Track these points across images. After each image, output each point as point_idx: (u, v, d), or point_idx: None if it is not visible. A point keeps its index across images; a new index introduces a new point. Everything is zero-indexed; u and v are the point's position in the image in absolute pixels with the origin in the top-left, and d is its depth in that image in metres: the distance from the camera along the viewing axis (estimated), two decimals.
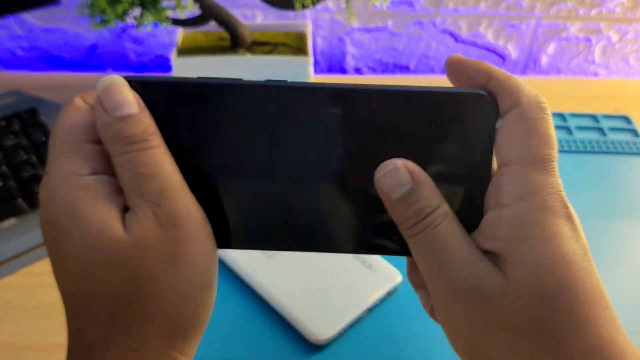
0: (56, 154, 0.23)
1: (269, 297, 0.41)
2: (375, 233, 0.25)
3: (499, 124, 0.24)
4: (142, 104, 0.23)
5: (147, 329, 0.23)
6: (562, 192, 0.22)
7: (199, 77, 0.24)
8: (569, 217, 0.22)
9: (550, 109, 0.23)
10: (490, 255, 0.22)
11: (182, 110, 0.23)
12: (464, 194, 0.24)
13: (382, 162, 0.24)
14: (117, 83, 0.22)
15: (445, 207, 0.23)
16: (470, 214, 0.24)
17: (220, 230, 0.25)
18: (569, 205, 0.22)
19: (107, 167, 0.23)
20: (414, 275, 0.28)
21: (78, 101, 0.24)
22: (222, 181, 0.24)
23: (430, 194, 0.23)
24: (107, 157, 0.23)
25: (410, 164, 0.23)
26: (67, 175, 0.22)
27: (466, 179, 0.24)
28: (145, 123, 0.22)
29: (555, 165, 0.22)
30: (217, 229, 0.24)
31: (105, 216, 0.22)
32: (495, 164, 0.24)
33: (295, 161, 0.24)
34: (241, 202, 0.25)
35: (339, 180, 0.24)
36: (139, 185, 0.22)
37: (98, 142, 0.23)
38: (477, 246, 0.23)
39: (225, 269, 0.43)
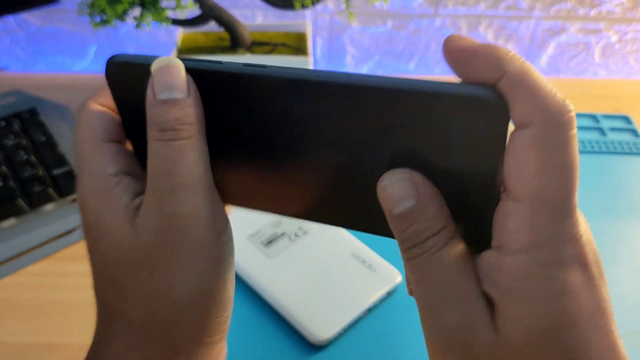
0: (81, 158, 0.23)
1: (268, 297, 0.41)
2: (374, 214, 0.23)
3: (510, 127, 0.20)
4: (193, 91, 0.22)
5: (140, 328, 0.23)
6: (577, 234, 0.19)
7: (239, 64, 0.23)
8: (583, 265, 0.19)
9: (575, 119, 0.18)
10: (488, 297, 0.20)
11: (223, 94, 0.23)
12: (470, 212, 0.21)
13: (382, 162, 0.21)
14: (172, 65, 0.21)
15: (449, 230, 0.20)
16: (477, 235, 0.21)
17: (236, 190, 0.25)
18: (586, 245, 0.19)
19: (128, 164, 0.24)
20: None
21: (90, 104, 0.24)
22: (245, 149, 0.24)
23: (436, 213, 0.20)
24: (129, 153, 0.24)
25: (418, 177, 0.20)
26: (91, 176, 0.23)
27: (472, 196, 0.21)
28: (183, 111, 0.21)
29: (576, 199, 0.19)
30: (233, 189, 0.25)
31: (117, 221, 0.22)
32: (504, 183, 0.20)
33: (306, 143, 0.23)
34: (258, 170, 0.24)
35: (344, 167, 0.23)
36: (155, 179, 0.22)
37: (117, 140, 0.24)
38: (476, 281, 0.20)
39: None
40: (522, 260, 0.19)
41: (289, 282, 0.41)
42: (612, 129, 0.61)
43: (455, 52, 0.19)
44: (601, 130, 0.61)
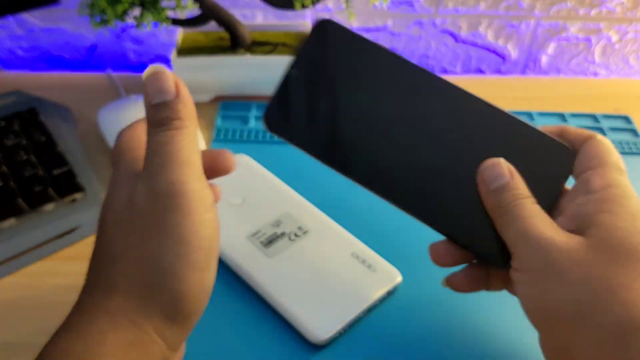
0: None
1: (268, 297, 0.41)
2: (466, 221, 0.31)
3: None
4: (181, 90, 0.26)
5: (118, 291, 0.24)
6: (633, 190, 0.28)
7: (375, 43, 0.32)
8: None
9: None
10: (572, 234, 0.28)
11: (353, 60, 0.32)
12: None
13: (481, 158, 0.30)
14: (160, 72, 0.26)
15: (534, 200, 0.29)
16: None
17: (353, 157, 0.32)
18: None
19: None
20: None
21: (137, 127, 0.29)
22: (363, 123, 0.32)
23: (525, 188, 0.29)
24: None
25: (510, 165, 0.30)
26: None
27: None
28: (172, 109, 0.25)
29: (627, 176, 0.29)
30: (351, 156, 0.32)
31: (122, 189, 0.26)
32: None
33: (412, 129, 0.31)
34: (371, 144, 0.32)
35: (444, 158, 0.31)
36: (147, 159, 0.25)
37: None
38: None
39: (225, 268, 0.43)
40: (605, 194, 0.28)
41: (288, 281, 0.41)
42: (612, 129, 0.61)
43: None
44: (601, 130, 0.61)
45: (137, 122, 0.29)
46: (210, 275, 0.25)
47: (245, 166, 0.51)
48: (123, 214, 0.25)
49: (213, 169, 0.28)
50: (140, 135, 0.28)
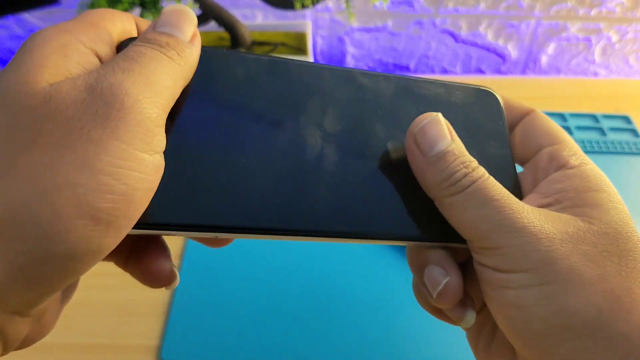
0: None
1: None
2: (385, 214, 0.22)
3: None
4: (197, 41, 0.21)
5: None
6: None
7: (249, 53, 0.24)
8: None
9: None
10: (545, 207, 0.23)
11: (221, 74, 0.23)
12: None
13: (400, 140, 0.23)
14: (181, 10, 0.21)
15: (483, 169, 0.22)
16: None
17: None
18: None
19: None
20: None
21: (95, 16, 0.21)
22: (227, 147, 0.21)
23: (468, 153, 0.22)
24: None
25: (445, 120, 0.22)
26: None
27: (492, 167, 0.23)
28: (171, 42, 0.20)
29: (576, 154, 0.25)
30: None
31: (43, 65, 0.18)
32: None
33: (303, 135, 0.22)
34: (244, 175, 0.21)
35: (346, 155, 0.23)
36: (111, 61, 0.19)
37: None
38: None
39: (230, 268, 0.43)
40: (586, 170, 0.23)
41: None
42: (612, 129, 0.61)
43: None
44: (601, 130, 0.61)
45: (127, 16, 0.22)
46: (106, 242, 0.17)
47: None
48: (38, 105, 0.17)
49: None
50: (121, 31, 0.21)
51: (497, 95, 0.26)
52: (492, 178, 0.21)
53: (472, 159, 0.22)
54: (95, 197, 0.16)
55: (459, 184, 0.21)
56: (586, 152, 0.58)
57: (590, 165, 0.23)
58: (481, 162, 0.22)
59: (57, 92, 0.17)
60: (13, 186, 0.16)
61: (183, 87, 0.21)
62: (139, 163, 0.17)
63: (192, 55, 0.21)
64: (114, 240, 0.17)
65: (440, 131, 0.22)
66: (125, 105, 0.17)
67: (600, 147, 0.58)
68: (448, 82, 0.25)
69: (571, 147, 0.24)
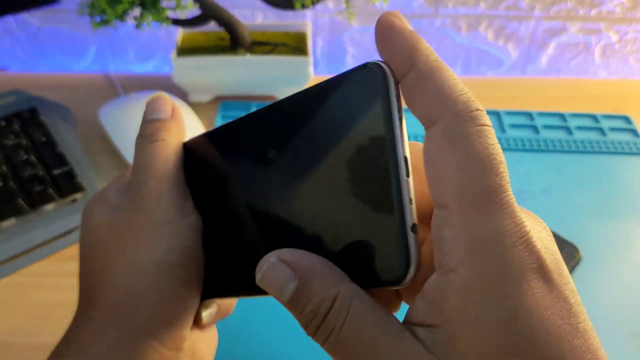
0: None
1: None
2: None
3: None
4: (176, 114, 0.27)
5: (106, 302, 0.24)
6: (525, 235, 0.16)
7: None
8: (540, 270, 0.16)
9: (487, 117, 0.17)
10: (429, 329, 0.17)
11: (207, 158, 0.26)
12: (379, 230, 0.18)
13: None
14: (160, 97, 0.27)
15: (346, 290, 0.18)
16: (388, 263, 0.18)
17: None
18: (540, 248, 0.16)
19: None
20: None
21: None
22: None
23: (322, 283, 0.18)
24: None
25: (288, 254, 0.19)
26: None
27: (373, 209, 0.18)
28: (163, 125, 0.26)
29: (510, 195, 0.16)
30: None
31: (100, 209, 0.26)
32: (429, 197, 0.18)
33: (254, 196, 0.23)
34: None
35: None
36: (134, 172, 0.25)
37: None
38: (406, 324, 0.18)
39: None
40: (466, 277, 0.16)
41: None
42: (612, 129, 0.61)
43: (384, 27, 0.19)
44: (601, 130, 0.61)
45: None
46: (189, 293, 0.25)
47: None
48: (103, 226, 0.25)
49: None
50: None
51: (376, 67, 0.18)
52: (351, 320, 0.18)
53: (329, 292, 0.18)
54: None
55: (317, 336, 0.18)
56: (586, 152, 0.58)
57: (468, 267, 0.16)
58: (356, 185, 0.19)
59: None
60: None
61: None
62: None
63: (173, 126, 0.26)
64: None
65: (280, 276, 0.19)
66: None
67: (600, 147, 0.58)
68: (333, 77, 0.20)
69: (454, 221, 0.16)
